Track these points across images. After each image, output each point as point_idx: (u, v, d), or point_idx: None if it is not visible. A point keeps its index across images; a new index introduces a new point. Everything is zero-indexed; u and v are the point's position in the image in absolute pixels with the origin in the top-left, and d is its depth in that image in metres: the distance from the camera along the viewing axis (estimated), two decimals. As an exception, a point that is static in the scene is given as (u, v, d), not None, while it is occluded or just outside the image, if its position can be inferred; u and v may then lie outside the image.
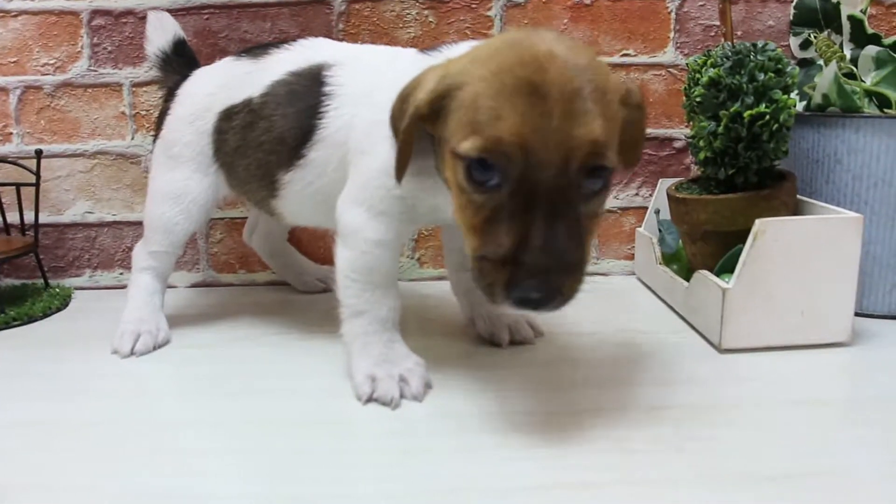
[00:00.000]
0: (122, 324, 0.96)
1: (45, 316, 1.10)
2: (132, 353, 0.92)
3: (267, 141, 0.88)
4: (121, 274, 1.23)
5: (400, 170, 0.71)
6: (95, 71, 1.18)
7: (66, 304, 1.15)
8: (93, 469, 0.66)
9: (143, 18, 1.15)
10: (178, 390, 0.84)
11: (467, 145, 0.62)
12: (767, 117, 0.87)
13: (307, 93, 0.85)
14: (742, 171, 0.92)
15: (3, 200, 1.17)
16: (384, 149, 0.76)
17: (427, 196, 0.77)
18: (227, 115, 0.92)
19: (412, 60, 0.79)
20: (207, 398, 0.80)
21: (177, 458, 0.68)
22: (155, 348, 0.94)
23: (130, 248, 1.07)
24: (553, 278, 0.60)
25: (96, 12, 1.17)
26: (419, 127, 0.68)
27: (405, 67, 0.76)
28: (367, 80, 0.82)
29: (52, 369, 0.89)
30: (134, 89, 1.19)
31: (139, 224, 1.19)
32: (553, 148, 0.60)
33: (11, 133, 1.19)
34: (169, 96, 1.01)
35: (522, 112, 0.60)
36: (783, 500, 0.59)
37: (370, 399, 0.77)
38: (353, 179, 0.80)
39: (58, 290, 1.18)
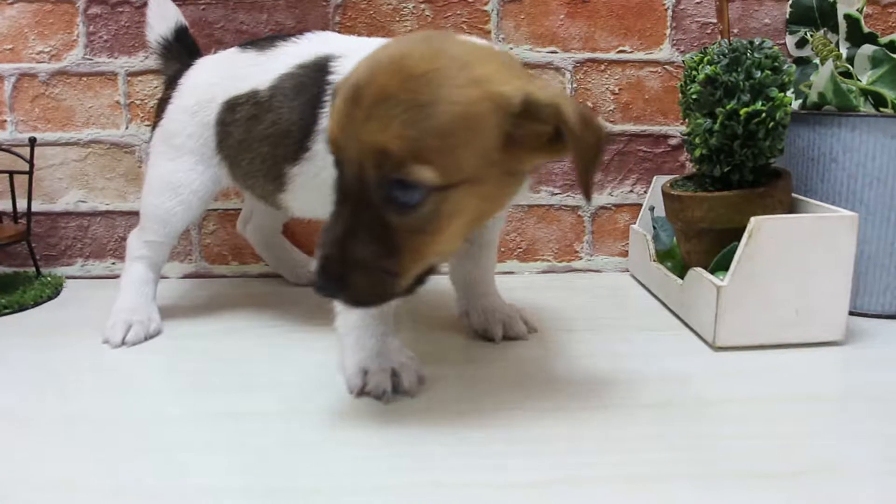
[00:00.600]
0: (114, 313, 0.95)
1: (36, 305, 1.09)
2: (123, 343, 0.92)
3: (273, 134, 0.87)
4: (113, 264, 1.23)
5: None
6: (91, 59, 1.17)
7: (58, 293, 1.15)
8: (79, 461, 0.66)
9: (140, 8, 1.15)
10: (168, 381, 0.83)
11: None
12: (763, 115, 0.87)
13: (313, 84, 0.84)
14: (738, 169, 0.92)
15: (-5, 188, 1.17)
16: None
17: None
18: (231, 107, 0.91)
19: None
20: (197, 390, 0.80)
21: (165, 451, 0.67)
22: (146, 338, 0.94)
23: (123, 238, 1.06)
24: (331, 269, 0.63)
25: (92, 1, 1.16)
26: None
27: None
28: None
29: (41, 358, 0.89)
30: (129, 79, 1.18)
31: (132, 214, 1.19)
32: (350, 150, 0.63)
33: (5, 120, 1.19)
34: (170, 84, 1.00)
35: (338, 112, 0.64)
36: (777, 497, 0.59)
37: (362, 392, 0.76)
38: None
39: (49, 278, 1.17)
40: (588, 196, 0.67)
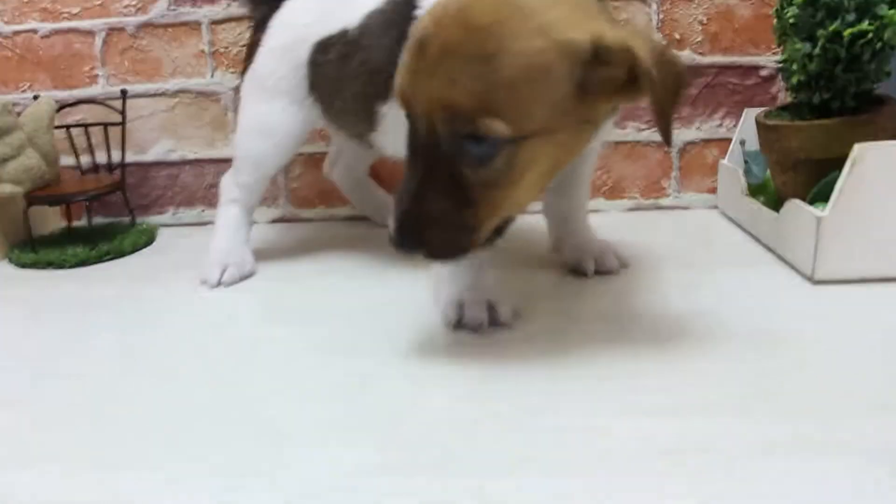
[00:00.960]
0: (211, 255, 0.98)
1: (135, 251, 1.13)
2: (220, 283, 0.95)
3: (364, 72, 0.87)
4: (202, 211, 1.26)
5: None
6: (175, 10, 1.19)
7: (153, 240, 1.19)
8: (180, 392, 0.69)
9: (221, -45, 1.15)
10: (265, 319, 0.86)
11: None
12: (870, 35, 0.83)
13: (401, 20, 0.83)
14: (839, 95, 0.88)
15: (91, 140, 1.20)
16: None
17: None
18: (323, 47, 0.91)
19: None
20: (291, 323, 0.82)
21: (256, 368, 0.70)
22: (241, 279, 0.96)
23: (212, 186, 1.09)
24: (408, 225, 0.63)
25: (174, -50, 1.17)
26: None
27: None
28: None
29: (143, 298, 0.93)
30: (213, 27, 1.19)
31: (220, 161, 1.22)
32: (420, 105, 0.62)
33: (97, 74, 1.22)
34: (258, 28, 1.00)
35: (405, 67, 0.64)
36: (881, 432, 0.57)
37: (458, 325, 0.77)
38: None
39: (144, 226, 1.22)
40: (667, 140, 0.65)
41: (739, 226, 1.08)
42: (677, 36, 1.15)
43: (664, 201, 1.21)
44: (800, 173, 0.92)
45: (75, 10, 1.19)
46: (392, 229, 0.64)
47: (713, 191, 1.20)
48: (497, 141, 0.61)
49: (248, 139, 0.99)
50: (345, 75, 0.89)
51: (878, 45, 0.83)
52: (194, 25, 1.20)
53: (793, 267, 0.90)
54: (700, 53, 1.15)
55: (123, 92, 1.18)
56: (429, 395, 0.65)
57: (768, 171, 1.01)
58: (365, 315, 0.83)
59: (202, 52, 1.20)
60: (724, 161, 1.14)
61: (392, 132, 0.88)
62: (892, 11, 0.83)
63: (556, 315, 0.80)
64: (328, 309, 0.86)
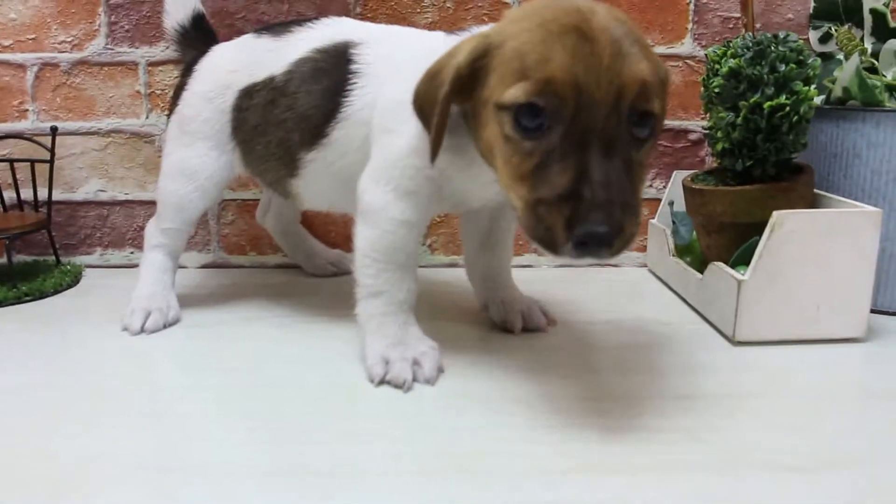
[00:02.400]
0: (133, 301, 0.96)
1: (57, 292, 1.10)
2: (142, 330, 0.92)
3: (289, 119, 0.87)
4: (131, 253, 1.23)
5: (435, 149, 0.70)
6: (112, 49, 1.18)
7: (77, 282, 1.16)
8: (99, 441, 0.66)
9: (161, -2, 1.15)
10: (186, 368, 0.84)
11: (515, 91, 0.61)
12: (788, 109, 0.87)
13: (333, 70, 0.84)
14: (760, 163, 0.91)
15: (17, 176, 1.17)
16: (412, 128, 0.75)
17: (459, 175, 0.77)
18: (248, 93, 0.91)
19: (441, 40, 0.79)
20: (213, 375, 0.80)
21: (181, 432, 0.68)
22: (165, 326, 0.94)
23: (142, 228, 1.07)
24: (616, 212, 0.58)
25: (114, -10, 1.16)
26: (450, 102, 0.68)
27: (434, 46, 0.75)
28: (394, 59, 0.82)
29: (61, 344, 0.90)
30: (150, 68, 1.18)
31: (151, 203, 1.19)
32: (604, 86, 0.60)
33: (27, 110, 1.19)
34: (186, 72, 1.00)
35: (573, 52, 0.60)
36: (799, 491, 0.58)
37: (383, 381, 0.76)
38: (378, 158, 0.79)
39: (69, 267, 1.18)
40: None
41: (667, 285, 1.10)
42: (610, 98, 1.18)
43: (595, 258, 1.22)
44: (723, 236, 0.95)
45: (7, 43, 1.17)
46: (589, 219, 0.57)
47: (643, 249, 1.22)
48: (653, 120, 0.64)
49: (171, 183, 0.98)
50: (268, 121, 0.89)
51: (795, 117, 0.87)
52: (131, 66, 1.18)
53: (716, 328, 0.92)
54: (632, 116, 1.18)
55: (53, 129, 1.15)
56: (354, 452, 0.64)
57: (695, 233, 1.04)
58: (290, 367, 0.82)
59: (138, 92, 1.19)
60: (654, 221, 1.17)
61: (314, 180, 0.88)
62: (806, 88, 0.87)
63: (480, 372, 0.80)
64: (251, 360, 0.84)
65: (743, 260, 0.90)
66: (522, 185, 0.63)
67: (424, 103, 0.70)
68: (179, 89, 0.99)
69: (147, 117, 1.20)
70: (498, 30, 0.66)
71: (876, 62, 1.00)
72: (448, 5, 1.16)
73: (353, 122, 0.82)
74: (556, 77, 0.60)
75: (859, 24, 1.05)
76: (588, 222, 0.57)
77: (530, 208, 0.62)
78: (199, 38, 1.03)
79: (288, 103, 0.87)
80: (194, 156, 0.96)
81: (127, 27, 1.17)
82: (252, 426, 0.69)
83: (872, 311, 0.91)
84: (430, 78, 0.70)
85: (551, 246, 0.60)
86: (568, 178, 0.59)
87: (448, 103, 0.67)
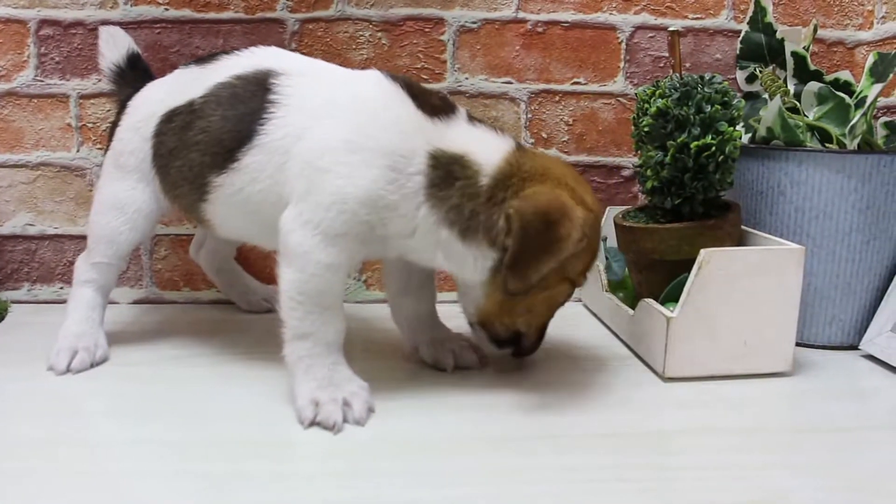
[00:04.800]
0: (60, 339, 0.93)
1: (-21, 330, 1.06)
2: (68, 370, 0.90)
3: (203, 141, 0.86)
4: (61, 288, 1.20)
5: (528, 288, 0.79)
6: (42, 81, 1.16)
7: (2, 318, 1.12)
8: (20, 488, 0.64)
9: (93, 30, 1.13)
10: (114, 409, 0.81)
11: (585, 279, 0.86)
12: (713, 148, 0.89)
13: (251, 97, 0.84)
14: (688, 201, 0.93)
15: (-61, 211, 1.14)
16: (364, 175, 0.76)
17: (408, 239, 0.81)
18: (169, 118, 0.91)
19: (376, 82, 0.82)
20: (143, 418, 0.78)
21: (109, 479, 0.66)
22: (92, 366, 0.92)
23: (72, 263, 1.04)
24: None
25: (44, 22, 1.14)
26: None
27: (368, 86, 0.82)
28: (324, 95, 0.82)
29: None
30: (81, 101, 1.16)
31: (81, 238, 1.16)
32: None
33: (-49, 141, 1.16)
34: (121, 109, 0.99)
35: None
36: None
37: (313, 423, 0.75)
38: (307, 198, 0.78)
39: (-6, 303, 1.15)
40: None
41: (601, 320, 1.11)
42: (544, 135, 1.20)
43: (532, 292, 1.23)
44: (654, 273, 0.96)
45: (-68, 75, 1.14)
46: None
47: (579, 283, 1.23)
48: None
49: (102, 216, 0.96)
50: (183, 143, 0.88)
51: (721, 157, 0.89)
52: (62, 98, 1.16)
53: (646, 363, 0.93)
54: (566, 153, 1.21)
55: (-21, 162, 1.12)
56: (288, 497, 0.63)
57: (627, 269, 1.05)
58: (217, 406, 0.81)
59: (69, 125, 1.17)
60: (589, 255, 1.18)
61: (223, 206, 0.87)
62: (731, 128, 0.89)
63: (412, 411, 0.80)
64: (179, 399, 0.83)
65: (673, 297, 0.92)
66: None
67: (535, 242, 0.76)
68: (114, 125, 0.99)
69: (78, 150, 1.17)
70: (585, 219, 0.79)
71: (798, 103, 1.03)
72: (384, 42, 1.16)
73: (267, 150, 0.82)
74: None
75: (782, 65, 1.09)
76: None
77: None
78: (134, 76, 1.02)
79: (203, 126, 0.86)
80: (124, 189, 0.95)
81: (57, 59, 1.15)
82: (177, 470, 0.67)
83: (798, 345, 0.93)
84: (547, 224, 0.77)
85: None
86: None
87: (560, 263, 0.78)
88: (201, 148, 0.86)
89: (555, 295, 0.84)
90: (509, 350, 0.89)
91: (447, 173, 0.79)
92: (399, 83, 0.82)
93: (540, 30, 1.18)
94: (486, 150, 0.80)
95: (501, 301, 0.81)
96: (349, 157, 0.77)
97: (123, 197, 0.95)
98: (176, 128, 0.89)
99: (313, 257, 0.77)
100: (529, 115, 1.19)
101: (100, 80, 1.15)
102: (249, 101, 0.84)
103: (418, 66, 1.17)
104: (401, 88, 0.81)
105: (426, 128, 0.80)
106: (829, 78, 1.04)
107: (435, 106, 0.82)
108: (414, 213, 0.79)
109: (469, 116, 0.84)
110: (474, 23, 1.17)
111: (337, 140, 0.78)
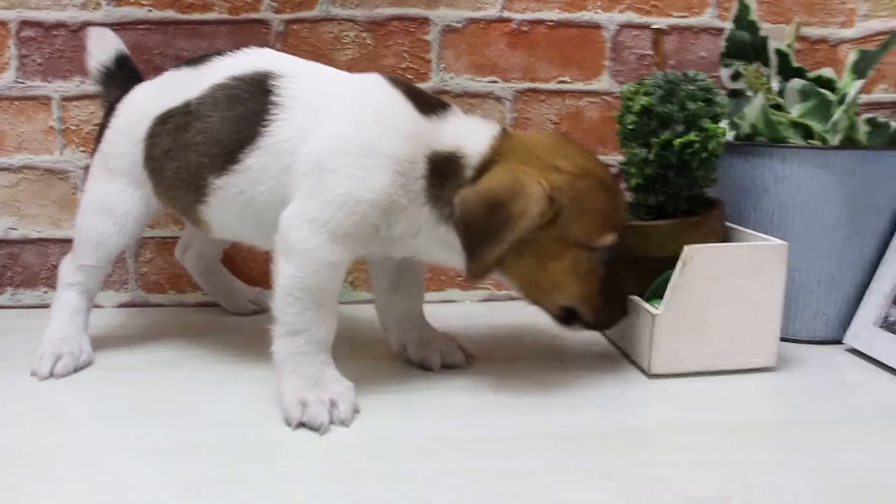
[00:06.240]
0: (43, 344, 0.92)
1: (-38, 335, 1.06)
2: (51, 374, 0.89)
3: (201, 143, 0.86)
4: (45, 293, 1.19)
5: (483, 273, 0.81)
6: (23, 83, 1.15)
7: (-14, 324, 1.11)
8: (6, 496, 0.63)
9: (76, 31, 1.13)
10: (98, 414, 0.81)
11: (609, 239, 0.82)
12: (697, 145, 0.89)
13: (250, 98, 0.84)
14: (672, 198, 0.94)
15: (-80, 215, 1.13)
16: (378, 180, 0.78)
17: (413, 239, 0.83)
18: (163, 120, 0.90)
19: (374, 85, 0.84)
20: (128, 423, 0.78)
21: (94, 488, 0.65)
22: (76, 370, 0.91)
23: (56, 267, 1.03)
24: None
25: (26, 23, 1.13)
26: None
27: (369, 88, 0.84)
28: (328, 97, 0.83)
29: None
30: (64, 103, 1.15)
31: (65, 241, 1.16)
32: None
33: (-68, 145, 1.15)
34: (109, 111, 0.98)
35: (622, 205, 0.86)
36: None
37: (300, 424, 0.75)
38: (314, 197, 0.78)
39: (-23, 308, 1.14)
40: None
41: (588, 317, 1.11)
42: (531, 133, 1.20)
43: (519, 291, 1.23)
44: (639, 270, 0.96)
45: (-87, 78, 1.13)
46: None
47: (566, 281, 1.23)
48: None
49: (89, 219, 0.95)
50: (179, 145, 0.88)
51: (704, 154, 0.90)
52: (44, 100, 1.15)
53: (633, 361, 0.94)
54: (552, 151, 1.20)
55: (-39, 166, 1.11)
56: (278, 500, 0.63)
57: (613, 266, 1.05)
58: (203, 410, 0.80)
59: (51, 128, 1.16)
60: (575, 253, 1.18)
61: (223, 208, 0.87)
62: (714, 125, 0.90)
63: (397, 412, 0.80)
64: (165, 403, 0.82)
65: (657, 293, 0.92)
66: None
67: (479, 229, 0.77)
68: (102, 128, 0.98)
69: (61, 153, 1.17)
70: (561, 183, 0.79)
71: (781, 100, 1.04)
72: (368, 42, 1.16)
73: (272, 151, 0.82)
74: (622, 227, 0.84)
75: (766, 63, 1.09)
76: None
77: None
78: (122, 77, 1.01)
79: (201, 127, 0.86)
80: (113, 191, 0.94)
81: (39, 60, 1.14)
82: (163, 477, 0.67)
83: (782, 340, 0.94)
84: (491, 208, 0.77)
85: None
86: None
87: (514, 243, 0.77)
88: (199, 149, 0.86)
89: (571, 264, 0.82)
90: (581, 327, 0.87)
91: (441, 172, 0.81)
92: (400, 88, 0.83)
93: (525, 29, 1.18)
94: (474, 141, 0.82)
95: (523, 282, 0.84)
96: (361, 160, 0.78)
97: (113, 199, 0.94)
98: (171, 129, 0.89)
99: (317, 254, 0.77)
100: (515, 115, 1.19)
101: (83, 83, 1.14)
102: (249, 103, 0.84)
103: (403, 66, 1.17)
104: (402, 93, 0.83)
105: (425, 130, 0.81)
106: (812, 75, 1.05)
107: (431, 104, 0.84)
108: (418, 214, 0.81)
109: (461, 110, 0.86)
110: (459, 22, 1.17)
111: (349, 144, 0.79)
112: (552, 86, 1.20)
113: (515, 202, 0.76)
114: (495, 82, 1.19)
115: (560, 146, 0.84)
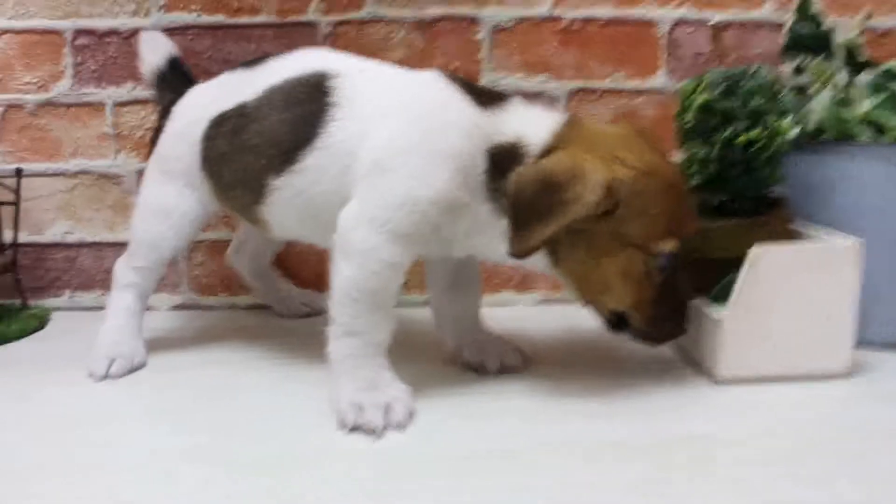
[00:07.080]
0: (99, 346, 0.93)
1: (21, 337, 1.07)
2: (107, 376, 0.90)
3: (259, 144, 0.85)
4: (101, 295, 1.20)
5: (531, 251, 0.76)
6: (78, 90, 1.16)
7: (44, 326, 1.13)
8: (59, 496, 0.63)
9: (128, 38, 1.14)
10: (151, 416, 0.81)
11: (670, 245, 0.78)
12: (762, 142, 0.86)
13: (308, 99, 0.83)
14: (736, 198, 0.90)
15: (-20, 220, 1.15)
16: (438, 177, 0.76)
17: (475, 237, 0.81)
18: (219, 122, 0.90)
19: (433, 83, 0.82)
20: (180, 425, 0.78)
21: (145, 487, 0.65)
22: (130, 371, 0.92)
23: (111, 270, 1.04)
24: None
25: (80, 32, 1.15)
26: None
27: (427, 83, 0.82)
28: (386, 95, 0.82)
29: (24, 391, 0.87)
30: (117, 109, 1.17)
31: (120, 245, 1.16)
32: None
33: (-9, 152, 1.17)
34: (164, 114, 0.99)
35: (689, 212, 0.82)
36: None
37: (355, 427, 0.74)
38: (373, 197, 0.78)
39: (35, 310, 1.15)
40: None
41: (645, 321, 1.08)
42: (585, 133, 1.17)
43: (573, 294, 1.21)
44: (698, 273, 0.93)
45: (-29, 86, 1.15)
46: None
47: (621, 284, 1.20)
48: None
49: (145, 221, 0.96)
50: (237, 146, 0.87)
51: (770, 151, 0.86)
52: (98, 106, 1.16)
53: (697, 366, 0.90)
54: (607, 150, 1.18)
55: (18, 171, 1.13)
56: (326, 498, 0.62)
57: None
58: (256, 413, 0.80)
59: (105, 133, 1.17)
60: (632, 256, 1.15)
61: (282, 208, 0.86)
62: (780, 122, 0.86)
63: (455, 417, 0.78)
64: (218, 405, 0.82)
65: (721, 297, 0.89)
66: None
67: (530, 205, 0.75)
68: (157, 132, 0.99)
69: (115, 158, 1.18)
70: (624, 177, 0.75)
71: (848, 95, 1.00)
72: (417, 43, 1.15)
73: (331, 153, 0.81)
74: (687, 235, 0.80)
75: (831, 56, 1.05)
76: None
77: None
78: (175, 80, 1.01)
79: (258, 129, 0.86)
80: (169, 194, 0.95)
81: (93, 67, 1.15)
82: (217, 479, 0.66)
83: (857, 345, 0.89)
84: (546, 187, 0.74)
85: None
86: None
87: (563, 228, 0.74)
88: (259, 151, 0.86)
89: (625, 264, 0.78)
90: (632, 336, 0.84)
91: (502, 165, 0.79)
92: (457, 83, 0.82)
93: (576, 27, 1.15)
94: (536, 130, 0.80)
95: (575, 277, 0.81)
96: (419, 159, 0.77)
97: (169, 202, 0.95)
98: (227, 132, 0.89)
99: (376, 255, 0.76)
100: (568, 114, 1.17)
101: (135, 88, 1.15)
102: (306, 104, 0.83)
103: (453, 67, 1.15)
104: (459, 88, 0.81)
105: (484, 124, 0.79)
106: (881, 67, 1.00)
107: (490, 96, 0.82)
108: (479, 210, 0.79)
109: (523, 100, 0.84)
110: (509, 21, 1.15)
111: (407, 142, 0.78)
112: (606, 84, 1.17)
113: (571, 186, 0.73)
114: (547, 82, 1.17)
115: (630, 140, 0.81)
